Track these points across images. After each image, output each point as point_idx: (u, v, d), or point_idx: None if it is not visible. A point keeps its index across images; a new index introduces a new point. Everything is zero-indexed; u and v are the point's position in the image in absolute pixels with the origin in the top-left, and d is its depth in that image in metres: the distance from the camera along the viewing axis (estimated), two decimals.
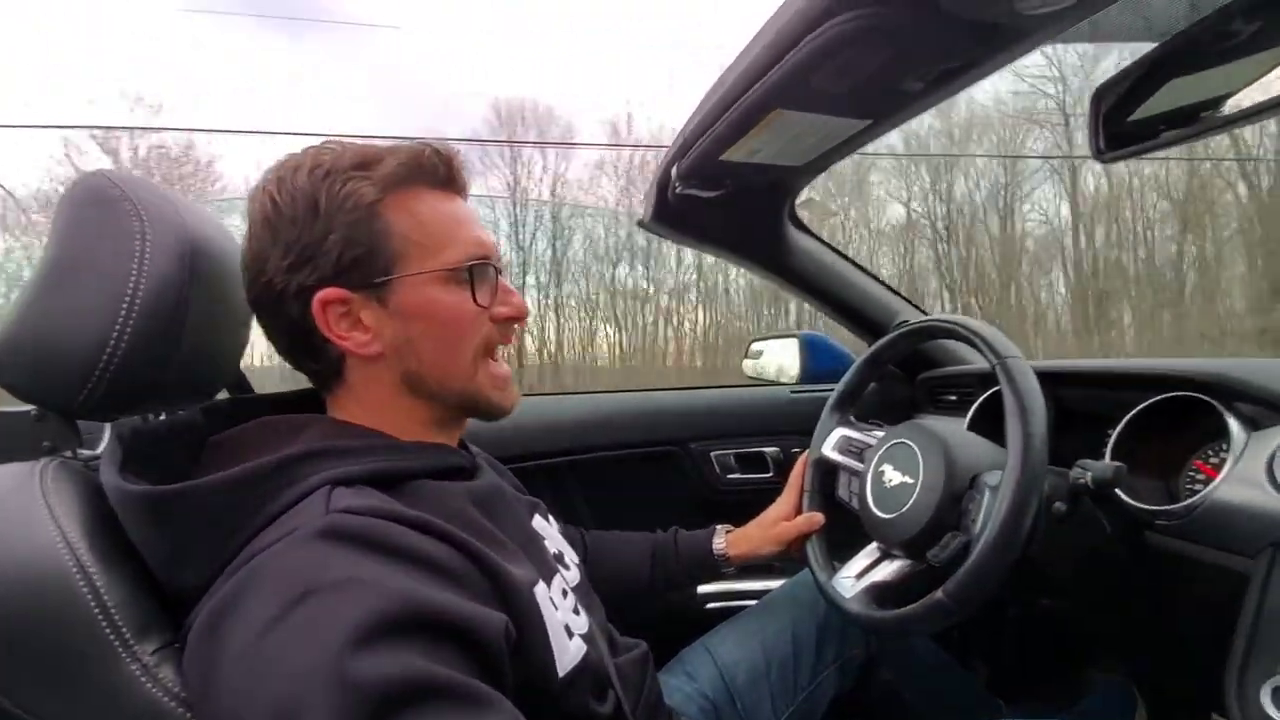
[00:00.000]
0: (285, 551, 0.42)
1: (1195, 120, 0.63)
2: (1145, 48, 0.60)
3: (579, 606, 0.61)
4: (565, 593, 0.59)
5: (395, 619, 0.38)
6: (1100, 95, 0.62)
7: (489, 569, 0.47)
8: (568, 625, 0.55)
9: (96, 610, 0.42)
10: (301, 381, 0.60)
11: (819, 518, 0.89)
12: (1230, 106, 0.61)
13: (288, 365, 0.59)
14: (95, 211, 0.51)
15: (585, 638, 0.57)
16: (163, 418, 0.58)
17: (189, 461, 0.52)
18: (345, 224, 0.51)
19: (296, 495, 0.46)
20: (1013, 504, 0.62)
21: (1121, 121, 0.62)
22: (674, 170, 0.94)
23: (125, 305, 0.48)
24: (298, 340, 0.55)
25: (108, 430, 0.55)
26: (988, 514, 0.65)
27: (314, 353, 0.55)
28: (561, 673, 0.51)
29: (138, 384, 0.51)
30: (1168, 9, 0.57)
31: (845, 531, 0.88)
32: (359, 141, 0.55)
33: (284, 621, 0.38)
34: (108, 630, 0.42)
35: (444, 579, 0.43)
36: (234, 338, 0.62)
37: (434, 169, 0.56)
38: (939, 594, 0.65)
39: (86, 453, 0.54)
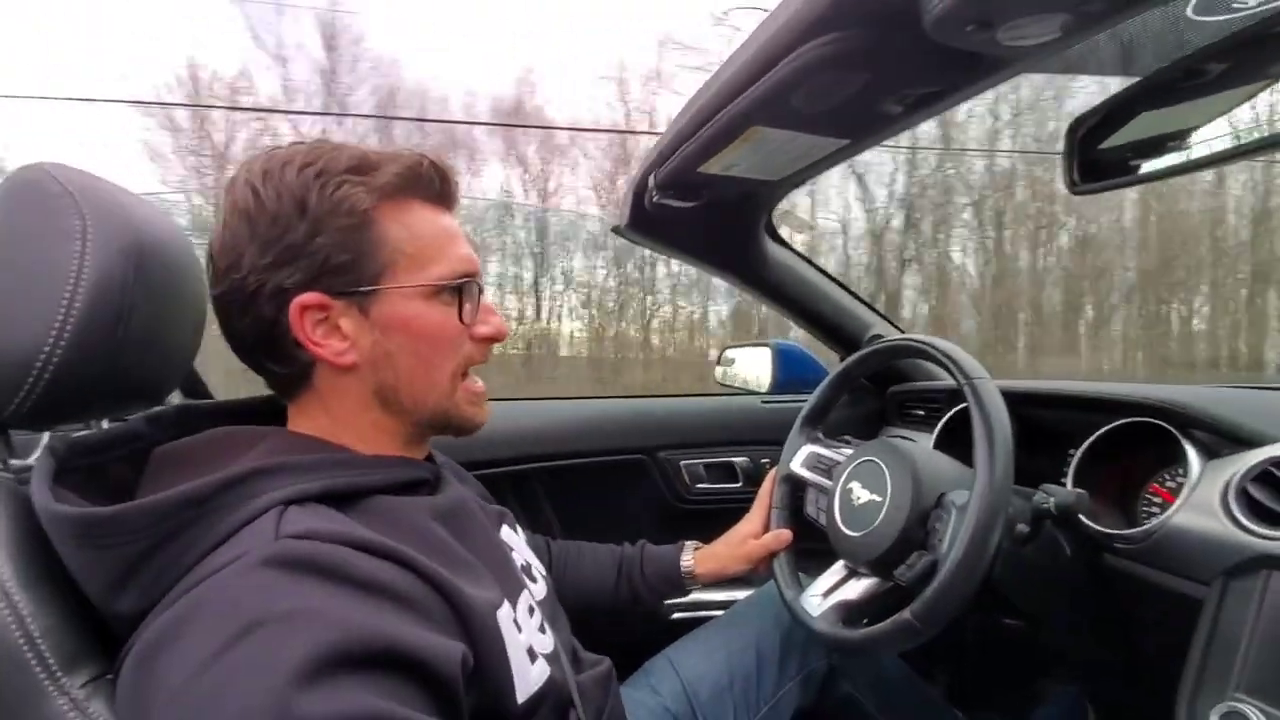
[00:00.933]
0: (230, 580, 0.39)
1: (1166, 153, 0.64)
2: (1121, 82, 0.61)
3: (544, 624, 0.60)
4: (531, 610, 0.58)
5: (345, 652, 0.37)
6: (1075, 128, 0.63)
7: (449, 595, 0.45)
8: (531, 647, 0.54)
9: (21, 638, 0.40)
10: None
11: (787, 535, 0.89)
12: (1200, 146, 0.62)
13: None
14: (33, 207, 0.48)
15: (549, 658, 0.56)
16: (105, 425, 0.55)
17: (131, 475, 0.50)
18: (336, 228, 0.50)
19: (246, 516, 0.43)
20: (979, 524, 0.63)
21: (1096, 154, 0.63)
22: (651, 179, 0.93)
23: (64, 307, 0.45)
24: (266, 342, 0.52)
25: (44, 439, 0.52)
26: (954, 534, 0.66)
27: (282, 357, 0.52)
28: (521, 699, 0.50)
29: (76, 391, 0.48)
30: (1145, 47, 0.58)
31: (812, 548, 0.88)
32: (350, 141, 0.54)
33: (227, 656, 0.36)
34: (33, 660, 0.39)
35: (399, 607, 0.42)
36: (184, 340, 0.59)
37: (430, 181, 0.55)
38: (906, 614, 0.66)
39: (19, 463, 0.51)
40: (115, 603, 0.43)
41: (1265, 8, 0.48)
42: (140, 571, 0.42)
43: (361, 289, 0.51)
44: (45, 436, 0.52)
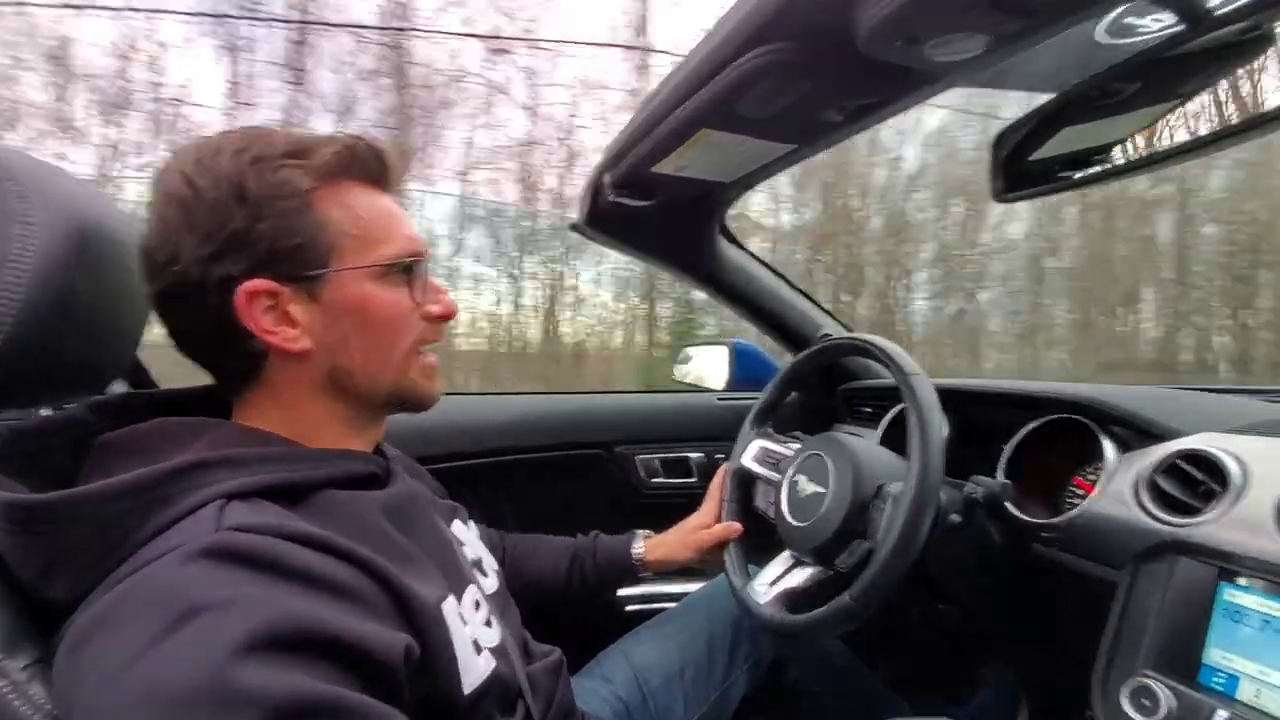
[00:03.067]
0: (167, 568, 0.39)
1: (1084, 166, 0.69)
2: (1043, 98, 0.64)
3: (491, 618, 0.60)
4: (478, 604, 0.59)
5: (283, 636, 0.37)
6: (1000, 140, 0.67)
7: (393, 587, 0.46)
8: (476, 640, 0.54)
9: None
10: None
11: (736, 527, 0.92)
12: (1115, 157, 0.66)
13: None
14: None
15: (495, 651, 0.56)
16: (45, 413, 0.54)
17: (71, 463, 0.49)
18: (277, 212, 0.49)
19: (186, 508, 0.43)
20: (911, 512, 0.66)
21: (1020, 165, 0.67)
22: (606, 178, 0.94)
23: (5, 294, 0.44)
24: (212, 335, 0.51)
25: None
26: (890, 522, 0.69)
27: (231, 350, 0.51)
28: (467, 690, 0.50)
29: (17, 377, 0.47)
30: (1062, 65, 0.62)
31: (762, 540, 0.91)
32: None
33: (164, 642, 0.35)
34: None
35: (342, 599, 0.42)
36: (129, 327, 0.58)
37: (369, 162, 0.54)
38: (845, 597, 0.69)
39: None
40: (48, 589, 0.42)
41: (1164, 33, 0.52)
42: (75, 559, 0.42)
43: (309, 273, 0.51)
44: None
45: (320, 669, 0.38)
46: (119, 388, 0.71)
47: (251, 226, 0.48)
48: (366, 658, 0.40)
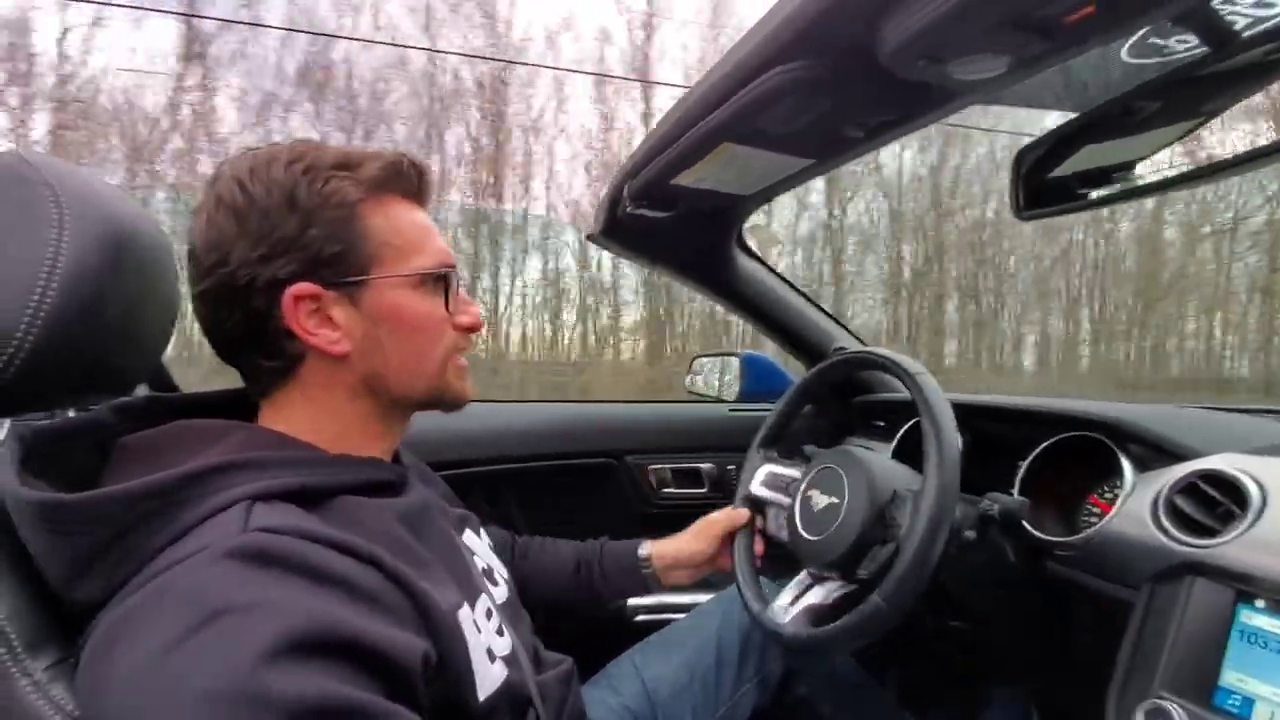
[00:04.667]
0: (195, 569, 0.40)
1: (1105, 184, 0.69)
2: (1065, 116, 0.65)
3: (503, 627, 0.60)
4: (490, 613, 0.59)
5: (309, 640, 0.37)
6: (1022, 156, 0.67)
7: (412, 593, 0.46)
8: (490, 648, 0.55)
9: None
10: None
11: (744, 513, 0.91)
12: (1137, 177, 0.66)
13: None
14: (8, 194, 0.48)
15: (507, 660, 0.57)
16: (71, 414, 0.55)
17: (95, 464, 0.50)
18: (327, 220, 0.51)
19: (210, 509, 0.43)
20: (934, 506, 0.65)
21: (1041, 182, 0.67)
22: (625, 189, 0.95)
23: (36, 296, 0.45)
24: (253, 335, 0.52)
25: (6, 426, 0.51)
26: (913, 519, 0.68)
27: (271, 350, 0.53)
28: (482, 697, 0.51)
29: (46, 379, 0.48)
30: (1086, 84, 0.62)
31: (775, 567, 0.91)
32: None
33: (191, 641, 0.36)
34: None
35: (364, 603, 0.42)
36: (156, 333, 0.59)
37: (410, 179, 0.57)
38: (875, 598, 0.67)
39: None
40: (75, 590, 0.43)
41: (1189, 54, 0.52)
42: (101, 560, 0.42)
43: (352, 279, 0.53)
44: (7, 423, 0.52)
45: (343, 673, 0.38)
46: (142, 392, 0.72)
47: (301, 233, 0.51)
48: (388, 662, 0.41)
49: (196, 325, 0.56)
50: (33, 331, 0.45)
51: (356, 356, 0.55)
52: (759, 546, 0.91)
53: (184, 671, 0.35)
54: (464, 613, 0.52)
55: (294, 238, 0.51)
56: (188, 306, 0.58)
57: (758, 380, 1.42)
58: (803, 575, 0.83)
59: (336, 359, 0.54)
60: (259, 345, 0.53)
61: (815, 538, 0.79)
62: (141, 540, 0.43)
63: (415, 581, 0.47)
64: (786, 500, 0.87)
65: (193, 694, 0.35)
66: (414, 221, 0.57)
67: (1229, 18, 0.49)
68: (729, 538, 0.91)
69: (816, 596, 0.79)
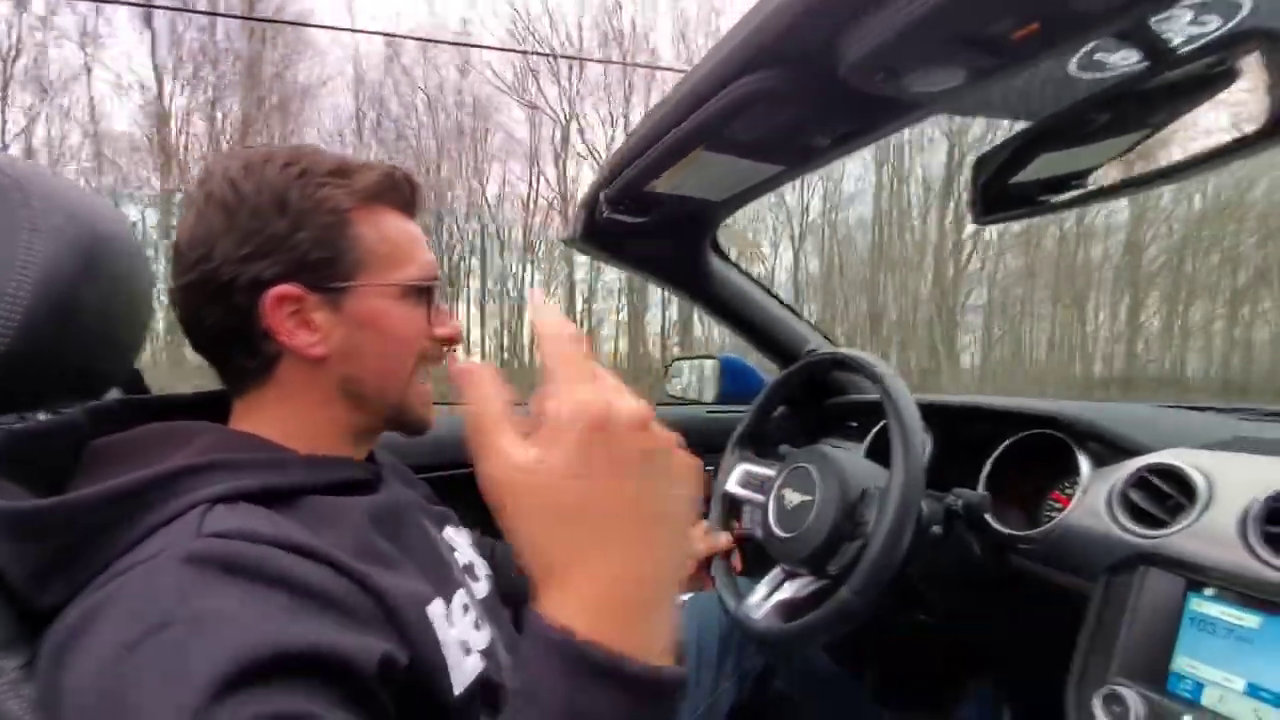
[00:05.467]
0: (145, 576, 0.39)
1: (1061, 191, 0.71)
2: (1020, 125, 0.67)
3: (480, 621, 0.60)
4: (466, 608, 0.59)
5: (261, 661, 0.36)
6: (980, 164, 0.69)
7: (375, 592, 0.45)
8: (465, 641, 0.54)
9: None
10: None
11: (724, 537, 0.93)
12: (1091, 183, 0.69)
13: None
14: None
15: (484, 653, 0.56)
16: (42, 417, 0.55)
17: (67, 467, 0.49)
18: (317, 225, 0.52)
19: (170, 514, 0.43)
20: (899, 501, 0.68)
21: (999, 188, 0.69)
22: (602, 195, 0.97)
23: (9, 298, 0.45)
24: (233, 332, 0.53)
25: None
26: (879, 515, 0.71)
27: (249, 348, 0.53)
28: (458, 690, 0.50)
29: (20, 382, 0.48)
30: (1038, 95, 0.64)
31: (751, 564, 0.93)
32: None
33: (137, 651, 0.35)
34: None
35: (320, 607, 0.41)
36: (130, 333, 0.59)
37: (402, 189, 0.58)
38: (842, 591, 0.70)
39: None
40: (38, 595, 0.42)
41: (1131, 69, 0.55)
42: (64, 567, 0.42)
43: (336, 284, 0.54)
44: None
45: (293, 686, 0.37)
46: (115, 395, 0.72)
47: (290, 235, 0.51)
48: (341, 669, 0.39)
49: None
50: (6, 335, 0.45)
51: (334, 360, 0.55)
52: (736, 531, 0.95)
53: (126, 685, 0.35)
54: (435, 608, 0.52)
55: (282, 239, 0.51)
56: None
57: (734, 382, 1.44)
58: (776, 571, 0.85)
59: (313, 361, 0.54)
60: (237, 343, 0.54)
61: (788, 535, 0.81)
62: (106, 545, 0.42)
63: (377, 579, 0.46)
64: (761, 499, 0.89)
65: (137, 707, 0.34)
66: (403, 232, 0.58)
67: (1165, 35, 0.51)
68: (707, 560, 0.93)
69: (789, 592, 0.81)
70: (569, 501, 0.34)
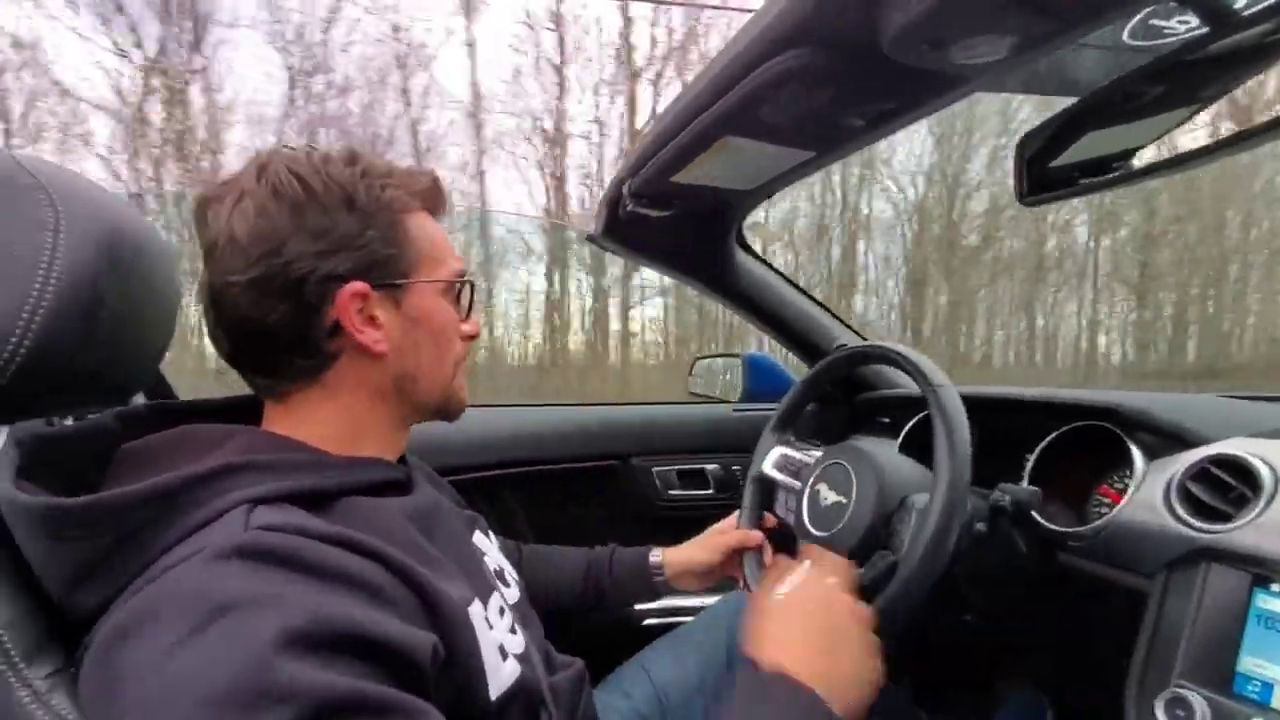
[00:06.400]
0: (196, 568, 0.39)
1: (1108, 171, 0.68)
2: (1066, 101, 0.65)
3: (516, 625, 0.60)
4: (503, 611, 0.59)
5: (320, 633, 0.37)
6: (1024, 143, 0.67)
7: (419, 588, 0.46)
8: (503, 645, 0.54)
9: None
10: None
11: (757, 535, 0.91)
12: (1138, 161, 0.66)
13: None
14: (2, 198, 0.47)
15: (520, 658, 0.56)
16: (69, 422, 0.54)
17: (97, 471, 0.49)
18: (382, 224, 0.54)
19: (212, 513, 0.43)
20: (937, 526, 0.65)
21: (1043, 168, 0.67)
22: (625, 188, 0.95)
23: (33, 299, 0.44)
24: (295, 330, 0.52)
25: (4, 433, 0.51)
26: (915, 534, 0.68)
27: (309, 345, 0.53)
28: (494, 694, 0.50)
29: (44, 384, 0.47)
30: (1087, 68, 0.62)
31: (784, 549, 0.90)
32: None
33: (197, 638, 0.35)
34: None
35: (368, 598, 0.42)
36: (155, 337, 0.59)
37: (440, 195, 0.61)
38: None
39: None
40: (74, 598, 0.42)
41: (1188, 35, 0.52)
42: (101, 566, 0.42)
43: (397, 281, 0.55)
44: (5, 430, 0.52)
45: (357, 666, 0.38)
46: (140, 401, 0.72)
47: (361, 232, 0.52)
48: (398, 656, 0.40)
49: None
50: (29, 334, 0.44)
51: (393, 357, 0.56)
52: (769, 520, 0.93)
53: (194, 668, 0.35)
54: (475, 609, 0.52)
55: (353, 236, 0.52)
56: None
57: (760, 380, 1.42)
58: (807, 564, 0.82)
59: (373, 359, 0.55)
60: (297, 340, 0.53)
61: (821, 533, 0.78)
62: (142, 546, 0.42)
63: (422, 577, 0.46)
64: (797, 484, 0.87)
65: (207, 690, 0.34)
66: (440, 233, 0.61)
67: None
68: (738, 550, 0.91)
69: None
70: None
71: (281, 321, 0.52)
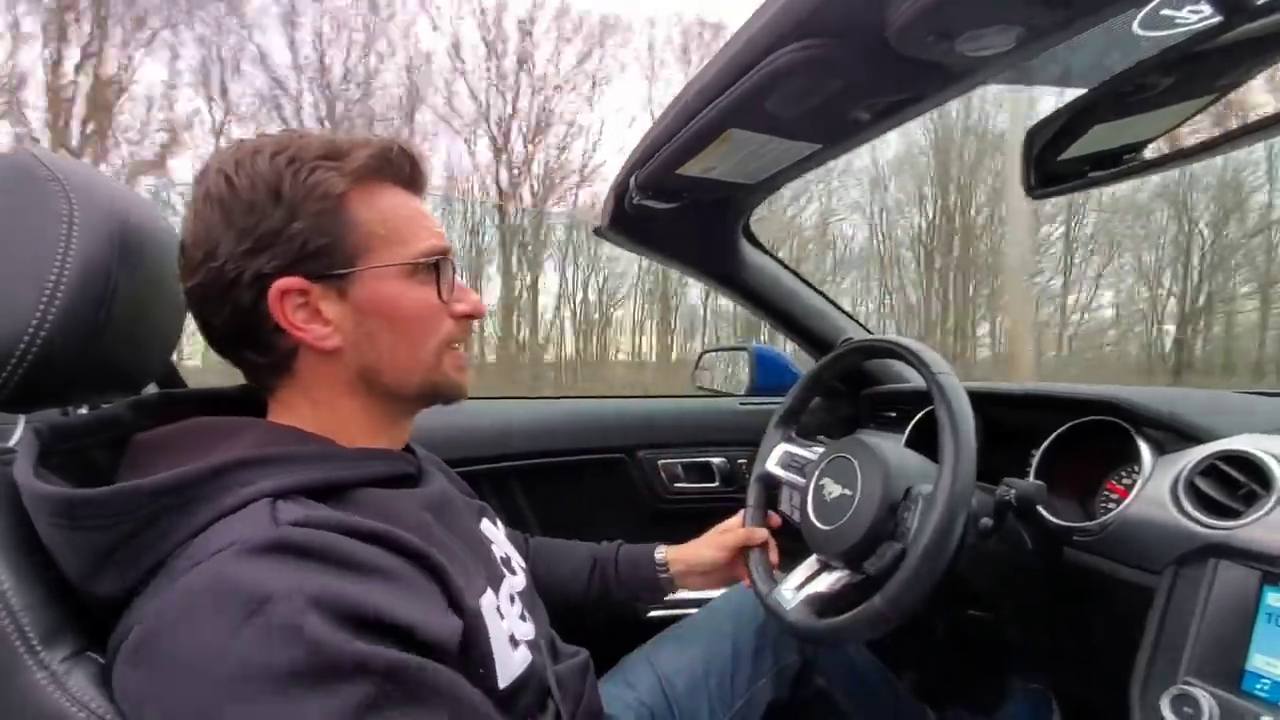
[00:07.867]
0: (229, 563, 0.40)
1: (1118, 163, 0.68)
2: (1075, 93, 0.64)
3: (525, 613, 0.61)
4: (512, 598, 0.59)
5: (361, 620, 0.39)
6: (1033, 135, 0.66)
7: (442, 579, 0.47)
8: (513, 634, 0.55)
9: (2, 612, 0.40)
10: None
11: (762, 533, 0.91)
12: (1149, 153, 0.65)
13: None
14: (19, 191, 0.48)
15: (530, 645, 0.57)
16: (84, 411, 0.55)
17: (111, 460, 0.50)
18: (311, 213, 0.50)
19: (231, 505, 0.43)
20: (943, 513, 0.65)
21: (1052, 161, 0.66)
22: (632, 180, 0.95)
23: (48, 290, 0.46)
24: (244, 331, 0.52)
25: (21, 422, 0.52)
26: (921, 524, 0.68)
27: (261, 345, 0.53)
28: (504, 683, 0.51)
29: (58, 375, 0.48)
30: (1095, 60, 0.61)
31: (787, 544, 0.90)
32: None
33: (248, 626, 0.36)
34: (13, 634, 0.40)
35: (399, 587, 0.43)
36: (167, 328, 0.60)
37: (400, 166, 0.56)
38: (875, 600, 0.67)
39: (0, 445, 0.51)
40: (92, 584, 0.43)
41: (1201, 24, 0.51)
42: (120, 554, 0.42)
43: (338, 271, 0.52)
44: (21, 420, 0.52)
45: (394, 647, 0.40)
46: (152, 390, 0.73)
47: (285, 226, 0.50)
48: (434, 643, 0.42)
49: None
50: (45, 325, 0.46)
51: (349, 350, 0.54)
52: (774, 520, 0.93)
53: (250, 656, 0.36)
54: (487, 599, 0.53)
55: (278, 231, 0.50)
56: None
57: (767, 373, 1.41)
58: (811, 560, 0.82)
59: (328, 354, 0.53)
60: (250, 341, 0.53)
61: (826, 527, 0.78)
62: (159, 535, 0.43)
63: (444, 568, 0.48)
64: (801, 481, 0.87)
65: (267, 674, 0.35)
66: (404, 209, 0.56)
67: None
68: (743, 549, 0.91)
69: (823, 584, 0.79)
70: None
71: (229, 325, 0.52)
